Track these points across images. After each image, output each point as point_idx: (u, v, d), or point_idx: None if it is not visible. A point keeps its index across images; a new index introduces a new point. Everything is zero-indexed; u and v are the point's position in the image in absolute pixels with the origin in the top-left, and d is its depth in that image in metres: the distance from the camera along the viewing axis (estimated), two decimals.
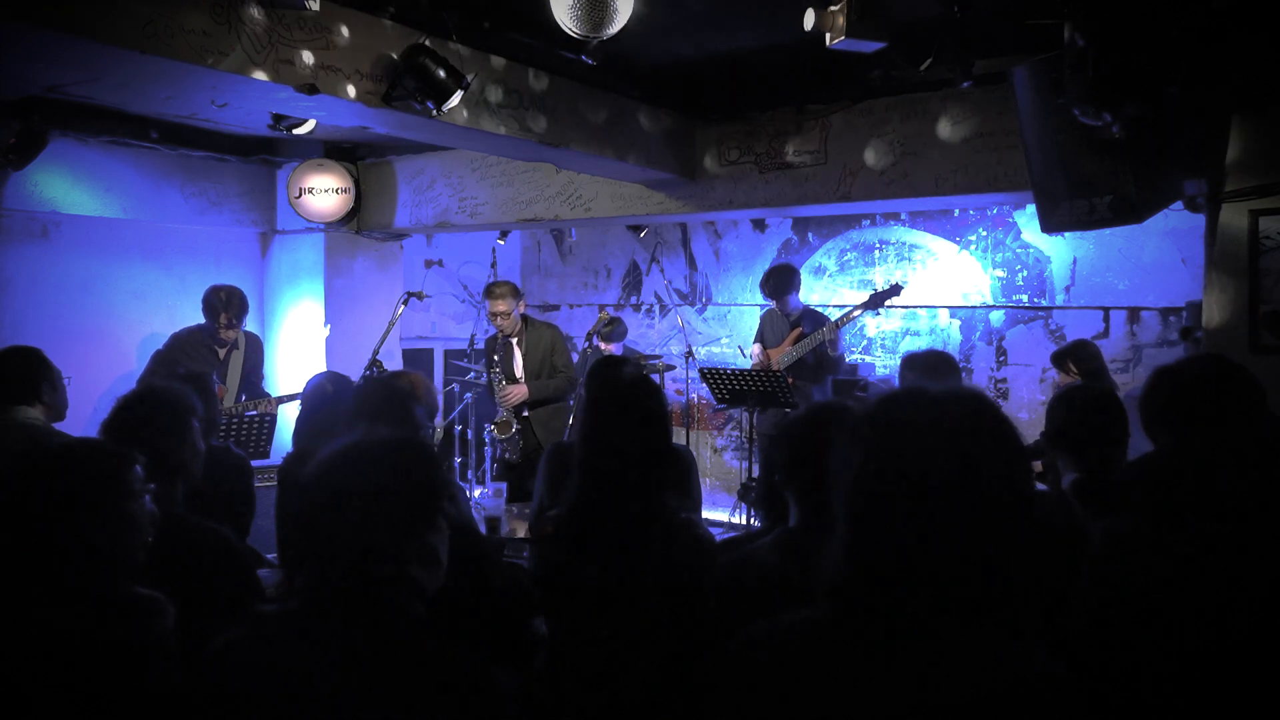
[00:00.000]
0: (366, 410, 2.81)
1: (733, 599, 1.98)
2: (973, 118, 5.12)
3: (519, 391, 5.64)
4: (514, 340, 5.77)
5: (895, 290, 5.83)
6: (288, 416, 6.18)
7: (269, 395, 5.78)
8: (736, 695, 1.30)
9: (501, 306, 5.66)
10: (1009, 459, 1.23)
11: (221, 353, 5.67)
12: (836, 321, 5.88)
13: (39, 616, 1.75)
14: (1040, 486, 4.55)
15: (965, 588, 1.20)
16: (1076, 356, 4.97)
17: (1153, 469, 2.10)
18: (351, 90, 4.06)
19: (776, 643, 1.30)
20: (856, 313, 5.90)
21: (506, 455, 5.72)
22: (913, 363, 3.69)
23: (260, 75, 3.74)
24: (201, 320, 5.74)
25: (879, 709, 1.19)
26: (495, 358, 5.73)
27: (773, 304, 6.25)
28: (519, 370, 5.78)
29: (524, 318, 5.82)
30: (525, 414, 5.70)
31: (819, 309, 6.57)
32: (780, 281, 6.14)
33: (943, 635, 1.19)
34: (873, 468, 1.24)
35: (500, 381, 5.68)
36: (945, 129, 5.21)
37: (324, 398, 3.70)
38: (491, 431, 5.79)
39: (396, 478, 1.60)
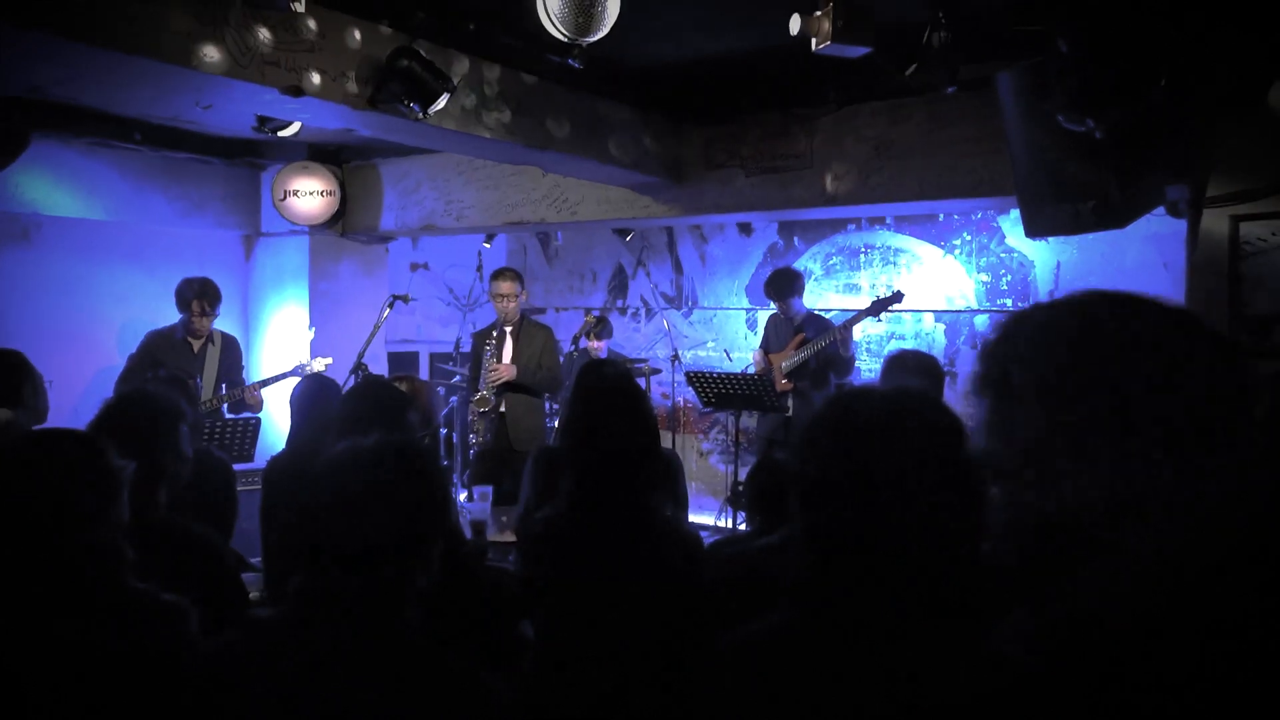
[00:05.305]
0: (359, 414, 2.78)
1: (734, 596, 1.98)
2: (958, 123, 5.14)
3: (506, 369, 5.66)
4: (508, 330, 5.79)
5: (898, 297, 5.77)
6: (274, 419, 6.15)
7: (244, 384, 5.73)
8: (716, 702, 1.31)
9: (506, 288, 5.76)
10: (950, 456, 1.24)
11: (196, 346, 5.62)
12: (846, 323, 5.84)
13: (57, 628, 1.68)
14: None
15: (918, 585, 1.21)
16: None
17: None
18: (337, 93, 4.05)
19: (750, 648, 1.31)
20: (863, 317, 5.85)
21: (473, 437, 5.74)
22: (904, 362, 3.67)
23: (245, 77, 3.72)
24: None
25: (849, 709, 1.20)
26: (488, 347, 5.76)
27: (775, 308, 6.24)
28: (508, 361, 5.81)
29: (521, 314, 5.86)
30: (502, 409, 5.72)
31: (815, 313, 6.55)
32: (781, 285, 6.11)
33: (904, 633, 1.21)
34: (818, 471, 1.26)
35: (490, 358, 5.71)
36: (930, 134, 5.24)
37: (316, 400, 3.69)
38: (473, 406, 5.77)
39: (409, 483, 1.59)
